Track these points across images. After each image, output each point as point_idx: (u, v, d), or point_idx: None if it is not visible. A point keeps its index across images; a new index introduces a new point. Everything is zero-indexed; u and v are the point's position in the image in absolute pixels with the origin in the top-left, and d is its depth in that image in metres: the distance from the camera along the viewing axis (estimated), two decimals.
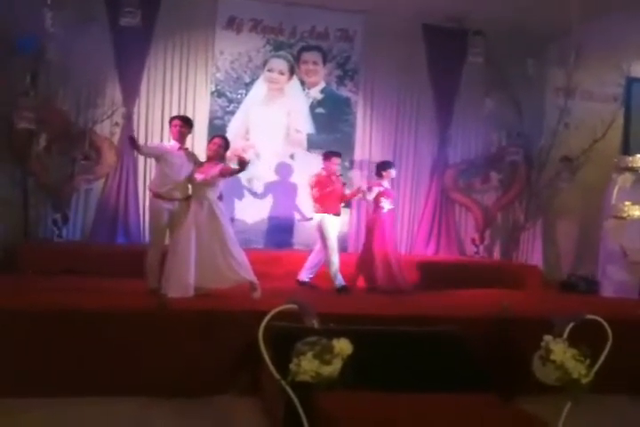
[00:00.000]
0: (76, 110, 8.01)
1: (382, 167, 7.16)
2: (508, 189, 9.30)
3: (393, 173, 7.20)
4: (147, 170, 8.36)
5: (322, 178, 6.90)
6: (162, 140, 8.17)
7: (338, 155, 7.08)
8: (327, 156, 7.04)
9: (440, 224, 9.22)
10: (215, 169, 5.72)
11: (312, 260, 6.96)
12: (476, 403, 3.52)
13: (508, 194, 9.31)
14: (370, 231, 7.07)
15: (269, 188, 8.69)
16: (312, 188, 6.92)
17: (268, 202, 8.74)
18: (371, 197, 6.97)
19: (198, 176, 5.68)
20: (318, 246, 6.93)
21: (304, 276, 6.92)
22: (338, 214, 6.91)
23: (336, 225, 6.87)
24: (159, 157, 5.81)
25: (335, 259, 6.70)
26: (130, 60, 8.15)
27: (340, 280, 6.68)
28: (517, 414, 3.48)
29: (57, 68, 7.67)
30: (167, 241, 5.90)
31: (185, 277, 5.51)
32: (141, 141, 8.32)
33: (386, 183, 7.09)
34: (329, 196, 6.81)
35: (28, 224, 7.80)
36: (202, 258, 5.59)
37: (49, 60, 7.61)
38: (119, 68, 8.13)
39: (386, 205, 6.97)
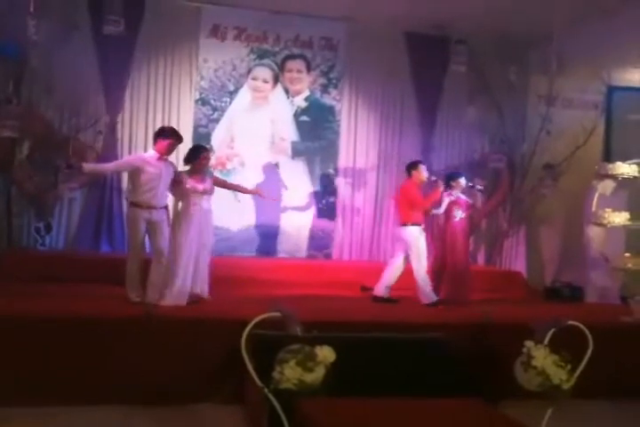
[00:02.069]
0: (59, 118, 8.01)
1: (450, 178, 7.01)
2: (492, 195, 9.36)
3: (462, 182, 6.97)
4: None
5: (410, 187, 6.75)
6: (145, 148, 8.17)
7: (422, 162, 7.06)
8: (414, 165, 6.86)
9: (424, 230, 9.22)
10: (207, 180, 5.80)
11: (390, 275, 6.74)
12: (459, 408, 3.54)
13: (491, 200, 9.37)
14: (442, 241, 7.00)
15: (254, 196, 8.66)
16: (401, 198, 6.78)
17: (252, 210, 8.74)
18: (442, 209, 6.84)
19: (194, 186, 5.69)
20: (396, 260, 6.76)
21: (383, 292, 6.70)
22: (421, 224, 6.73)
23: (422, 235, 6.70)
24: (136, 168, 5.74)
25: (423, 272, 6.56)
26: (113, 68, 8.13)
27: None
28: (501, 418, 3.50)
29: (40, 75, 7.65)
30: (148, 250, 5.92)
31: (182, 286, 5.54)
32: (125, 149, 8.35)
33: (457, 193, 6.93)
34: (415, 206, 6.65)
35: (12, 233, 7.75)
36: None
37: (32, 68, 7.59)
38: (103, 76, 8.11)
39: (458, 214, 6.87)
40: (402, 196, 6.83)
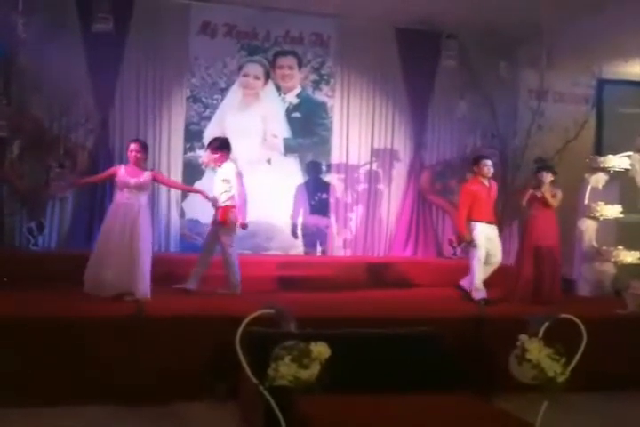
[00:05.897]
0: (49, 117, 7.94)
1: (536, 172, 6.92)
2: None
3: (544, 176, 6.74)
4: None
5: (467, 188, 6.63)
6: None
7: (487, 157, 6.80)
8: (475, 160, 6.71)
9: (417, 226, 9.25)
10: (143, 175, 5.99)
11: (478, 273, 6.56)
12: (456, 403, 3.54)
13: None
14: (521, 236, 6.95)
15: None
16: (462, 195, 6.63)
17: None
18: (523, 204, 6.79)
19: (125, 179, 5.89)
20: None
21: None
22: (492, 222, 6.61)
23: (489, 233, 6.56)
24: None
25: (479, 271, 6.46)
26: (103, 66, 8.08)
27: (481, 293, 6.42)
28: (496, 412, 3.52)
29: (29, 74, 7.61)
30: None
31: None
32: (117, 148, 8.31)
33: (542, 189, 6.73)
34: (480, 202, 6.49)
35: (3, 233, 7.72)
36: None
37: (21, 67, 7.55)
38: (92, 74, 8.05)
39: (535, 211, 6.76)
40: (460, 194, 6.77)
